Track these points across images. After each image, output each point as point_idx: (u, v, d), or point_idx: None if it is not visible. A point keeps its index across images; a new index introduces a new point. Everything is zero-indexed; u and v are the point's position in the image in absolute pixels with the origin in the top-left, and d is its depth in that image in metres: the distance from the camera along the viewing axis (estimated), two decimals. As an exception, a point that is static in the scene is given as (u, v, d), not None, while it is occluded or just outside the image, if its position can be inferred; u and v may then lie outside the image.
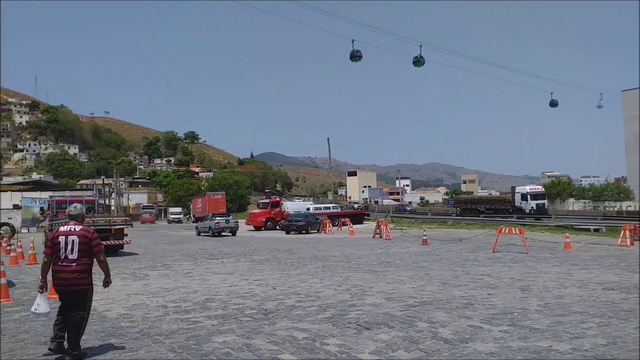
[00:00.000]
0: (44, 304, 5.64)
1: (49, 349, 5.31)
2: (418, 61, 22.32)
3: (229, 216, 34.74)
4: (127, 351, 5.54)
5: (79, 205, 5.71)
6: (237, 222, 33.50)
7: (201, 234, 32.76)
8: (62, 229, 5.42)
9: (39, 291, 5.61)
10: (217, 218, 32.02)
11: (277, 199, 45.70)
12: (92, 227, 5.71)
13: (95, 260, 5.48)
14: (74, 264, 5.26)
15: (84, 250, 5.32)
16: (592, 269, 12.32)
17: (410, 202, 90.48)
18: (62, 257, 5.26)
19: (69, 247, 5.27)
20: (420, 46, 22.41)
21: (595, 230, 26.53)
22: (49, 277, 5.44)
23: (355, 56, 22.29)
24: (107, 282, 5.66)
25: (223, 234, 31.62)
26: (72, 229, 5.36)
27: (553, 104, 31.78)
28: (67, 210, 5.79)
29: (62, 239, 5.29)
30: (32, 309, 5.71)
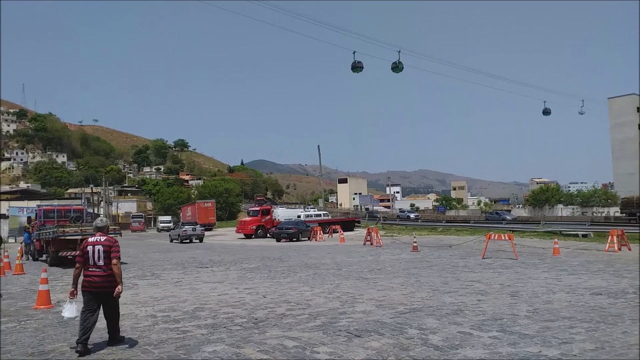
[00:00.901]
0: (73, 309, 6.15)
1: (77, 351, 5.80)
2: (397, 67, 22.23)
3: (197, 225, 38.91)
4: (115, 362, 5.48)
5: (104, 219, 6.72)
6: (203, 230, 38.12)
7: (173, 240, 36.70)
8: (90, 239, 6.22)
9: (69, 297, 6.19)
10: (186, 227, 36.96)
11: (268, 206, 45.57)
12: (114, 237, 6.58)
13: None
14: (102, 270, 6.04)
15: (109, 257, 6.06)
16: (580, 274, 12.43)
17: (401, 209, 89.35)
18: (91, 264, 6.06)
19: (97, 255, 6.06)
20: (399, 52, 22.39)
21: (584, 235, 26.74)
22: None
23: (357, 67, 22.47)
24: (118, 290, 6.07)
25: (193, 240, 35.40)
26: (98, 240, 6.15)
27: (546, 112, 32.01)
28: (94, 222, 6.69)
29: (90, 248, 6.09)
30: (62, 314, 6.27)
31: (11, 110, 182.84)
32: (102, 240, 6.15)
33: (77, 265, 6.15)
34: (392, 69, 22.41)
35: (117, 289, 6.05)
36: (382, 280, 11.88)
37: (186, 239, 35.09)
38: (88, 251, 6.09)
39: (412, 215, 66.90)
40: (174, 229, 40.43)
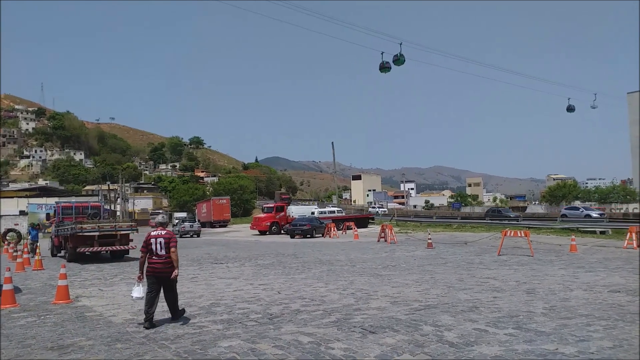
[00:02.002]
0: (140, 291, 7.26)
1: (144, 327, 6.93)
2: (398, 60, 21.51)
3: (194, 221, 44.58)
4: (133, 356, 5.56)
5: (165, 215, 8.10)
6: (200, 226, 43.86)
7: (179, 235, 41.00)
8: (152, 233, 7.37)
9: (137, 281, 7.32)
10: (184, 223, 42.70)
11: (283, 203, 45.73)
12: (172, 231, 7.74)
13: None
14: (162, 258, 7.21)
15: (168, 247, 7.24)
16: (598, 271, 12.26)
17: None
18: (154, 253, 7.22)
19: (158, 246, 7.22)
20: (400, 44, 21.69)
21: (602, 232, 26.39)
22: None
23: (385, 67, 22.33)
24: (175, 274, 7.25)
25: (192, 236, 40.51)
26: (159, 233, 7.33)
27: (570, 109, 31.42)
28: (156, 219, 7.92)
29: (153, 240, 7.27)
30: (133, 296, 7.35)
31: (30, 109, 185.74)
32: (162, 233, 7.33)
33: (142, 254, 7.27)
34: (393, 61, 21.81)
35: (174, 272, 7.21)
36: (397, 277, 11.86)
37: (185, 234, 40.36)
38: (151, 242, 7.24)
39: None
40: (175, 225, 43.90)
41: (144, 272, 7.30)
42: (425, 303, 8.40)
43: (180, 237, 38.28)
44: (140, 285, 7.28)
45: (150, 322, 7.01)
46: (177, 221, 58.54)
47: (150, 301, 7.11)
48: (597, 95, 33.00)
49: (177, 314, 7.52)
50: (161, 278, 7.23)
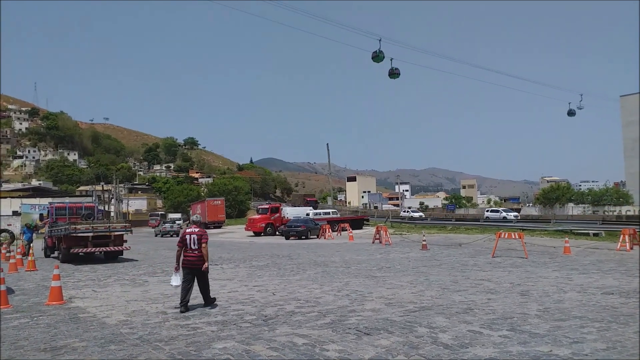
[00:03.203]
0: (178, 279, 8.36)
1: (180, 311, 8.04)
2: (377, 56, 21.19)
3: (174, 222, 49.75)
4: (127, 357, 5.53)
5: (199, 216, 9.25)
6: (180, 226, 46.19)
7: (157, 235, 45.30)
8: (187, 230, 8.51)
9: (175, 271, 8.43)
10: (165, 224, 47.80)
11: (277, 204, 45.74)
12: (204, 230, 8.80)
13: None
14: (195, 252, 8.32)
15: (200, 243, 8.33)
16: (591, 273, 12.33)
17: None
18: (188, 248, 8.36)
19: (192, 241, 8.35)
20: (380, 40, 21.20)
21: (595, 234, 26.52)
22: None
23: (394, 73, 22.36)
24: (206, 267, 8.35)
25: (172, 235, 43.07)
26: (193, 231, 8.47)
27: (571, 113, 31.38)
28: (191, 218, 9.20)
29: (187, 236, 8.41)
30: (171, 283, 8.49)
31: (23, 109, 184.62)
32: (195, 231, 8.45)
33: (178, 248, 8.50)
34: (372, 58, 21.53)
35: (204, 265, 8.26)
36: (392, 279, 11.87)
37: (165, 234, 44.23)
38: (186, 239, 8.39)
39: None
40: (157, 226, 49.23)
41: (180, 264, 8.42)
42: (419, 305, 8.41)
43: (162, 236, 43.87)
44: (177, 274, 8.39)
45: (185, 307, 8.10)
46: (163, 222, 61.39)
47: (185, 290, 8.20)
48: (592, 97, 33.19)
49: (209, 301, 8.63)
50: (194, 269, 8.32)
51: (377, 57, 21.15)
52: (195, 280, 8.45)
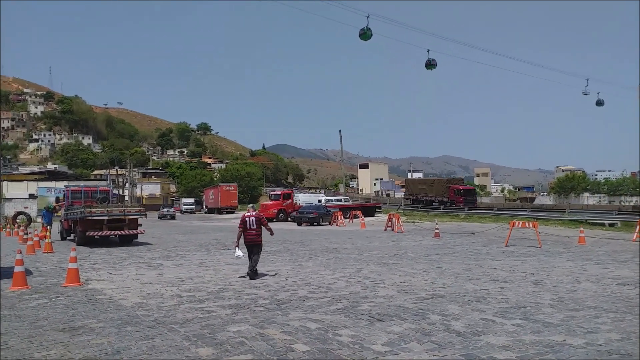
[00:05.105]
0: (240, 253, 10.39)
1: (247, 274, 10.15)
2: (364, 34, 20.36)
3: (171, 207, 59.26)
4: (143, 339, 5.63)
5: (255, 205, 11.29)
6: (175, 210, 57.86)
7: (159, 218, 51.09)
8: (247, 214, 10.48)
9: (235, 246, 10.53)
10: (164, 209, 55.11)
11: (290, 190, 45.83)
12: (261, 214, 11.50)
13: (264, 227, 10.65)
14: (254, 231, 10.34)
15: (257, 224, 10.39)
16: (606, 264, 12.21)
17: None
18: (248, 228, 10.34)
19: (251, 223, 10.34)
20: (368, 17, 20.35)
21: (611, 225, 26.21)
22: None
23: (430, 64, 22.66)
24: (272, 234, 11.31)
25: (169, 218, 50.96)
26: (251, 214, 10.46)
27: (599, 103, 30.87)
28: (248, 206, 11.35)
29: (247, 219, 10.36)
30: (235, 256, 10.57)
31: (39, 93, 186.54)
32: (253, 214, 10.48)
33: (239, 229, 10.36)
34: (359, 36, 21.01)
35: (270, 234, 11.20)
36: (404, 266, 11.88)
37: (163, 217, 51.15)
38: (246, 221, 10.33)
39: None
40: (160, 210, 55.81)
41: (240, 241, 10.40)
42: (432, 292, 8.42)
43: (160, 218, 49.91)
44: (237, 249, 10.39)
45: (253, 273, 10.13)
46: (190, 208, 71.20)
47: (250, 261, 10.27)
48: (611, 85, 32.56)
49: (255, 274, 10.19)
50: (252, 245, 10.30)
51: (365, 34, 20.57)
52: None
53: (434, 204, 52.11)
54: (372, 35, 20.46)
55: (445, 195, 52.69)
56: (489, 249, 16.01)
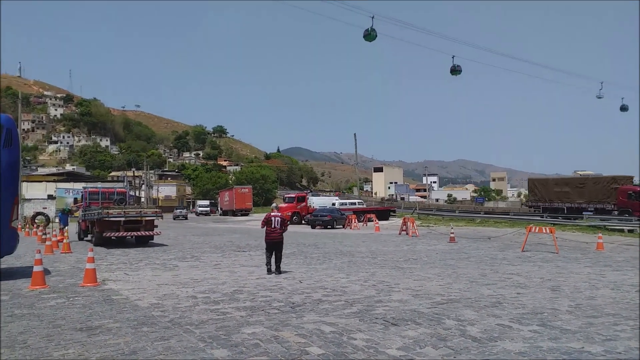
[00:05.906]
0: None
1: (268, 269, 11.04)
2: (369, 34, 20.33)
3: (184, 209, 65.11)
4: (159, 339, 5.68)
5: (277, 205, 13.80)
6: (187, 212, 64.75)
7: (174, 218, 55.77)
8: (271, 214, 11.17)
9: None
10: (177, 210, 60.66)
11: (304, 193, 45.90)
12: (284, 214, 12.05)
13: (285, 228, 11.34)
14: (277, 231, 11.02)
15: (281, 224, 11.07)
16: (625, 270, 12.01)
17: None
18: (272, 227, 11.02)
19: (276, 222, 11.02)
20: (372, 17, 20.40)
21: (630, 231, 25.77)
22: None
23: (455, 70, 23.23)
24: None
25: (182, 218, 56.11)
26: (276, 214, 11.20)
27: (624, 108, 30.62)
28: (272, 205, 12.55)
29: (272, 218, 11.04)
30: None
31: (58, 95, 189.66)
32: (278, 214, 11.23)
33: (263, 227, 11.18)
34: (364, 37, 20.82)
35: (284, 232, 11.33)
36: (419, 271, 11.81)
37: (177, 218, 56.21)
38: (272, 220, 11.02)
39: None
40: (174, 211, 60.78)
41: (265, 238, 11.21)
42: (447, 297, 8.36)
43: (174, 219, 54.14)
44: None
45: (269, 271, 10.98)
46: (205, 210, 73.11)
47: (268, 258, 11.12)
48: (624, 90, 32.01)
49: (279, 270, 11.08)
50: (275, 243, 11.02)
51: (369, 35, 20.40)
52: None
53: (585, 212, 36.34)
54: (376, 36, 20.60)
55: (611, 199, 36.83)
56: (505, 254, 15.84)
